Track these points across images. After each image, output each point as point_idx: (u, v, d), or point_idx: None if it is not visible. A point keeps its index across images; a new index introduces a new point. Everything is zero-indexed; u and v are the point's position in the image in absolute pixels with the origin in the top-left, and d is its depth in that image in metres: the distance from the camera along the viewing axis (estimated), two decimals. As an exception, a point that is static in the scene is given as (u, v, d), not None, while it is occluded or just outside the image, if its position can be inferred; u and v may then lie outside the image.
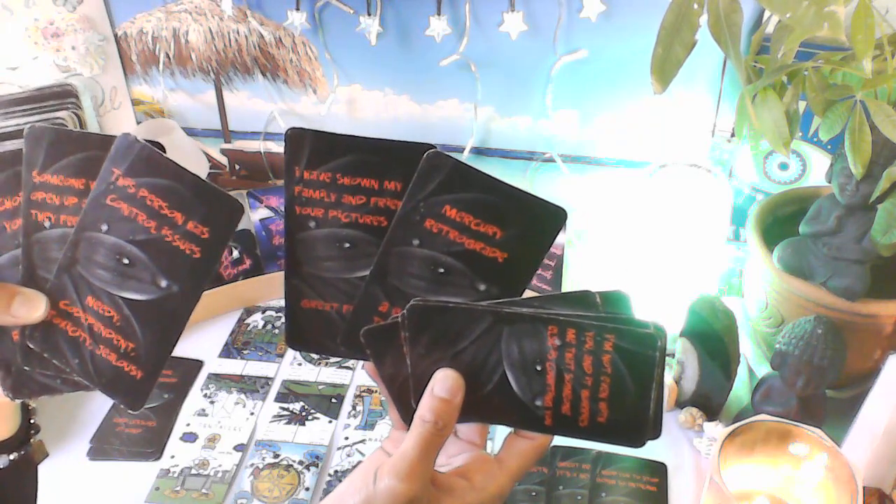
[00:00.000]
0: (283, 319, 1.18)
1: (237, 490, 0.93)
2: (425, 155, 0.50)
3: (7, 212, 0.52)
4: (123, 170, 0.49)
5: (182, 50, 1.26)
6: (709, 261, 1.07)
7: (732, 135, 1.13)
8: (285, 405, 1.05)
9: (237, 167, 1.38)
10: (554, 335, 0.47)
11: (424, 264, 0.51)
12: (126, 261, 0.50)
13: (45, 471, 0.67)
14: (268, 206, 1.24)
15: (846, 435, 0.88)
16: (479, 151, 1.24)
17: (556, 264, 1.13)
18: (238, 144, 1.35)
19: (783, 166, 1.08)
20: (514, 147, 1.23)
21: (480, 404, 0.50)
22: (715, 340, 0.96)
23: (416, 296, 0.51)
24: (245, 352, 1.14)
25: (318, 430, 1.01)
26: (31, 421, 0.64)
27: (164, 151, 0.50)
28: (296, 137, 0.52)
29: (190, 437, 1.00)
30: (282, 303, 1.24)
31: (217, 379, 1.09)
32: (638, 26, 1.07)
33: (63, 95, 0.54)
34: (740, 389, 1.02)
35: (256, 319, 1.20)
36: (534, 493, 0.91)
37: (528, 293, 0.52)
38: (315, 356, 1.13)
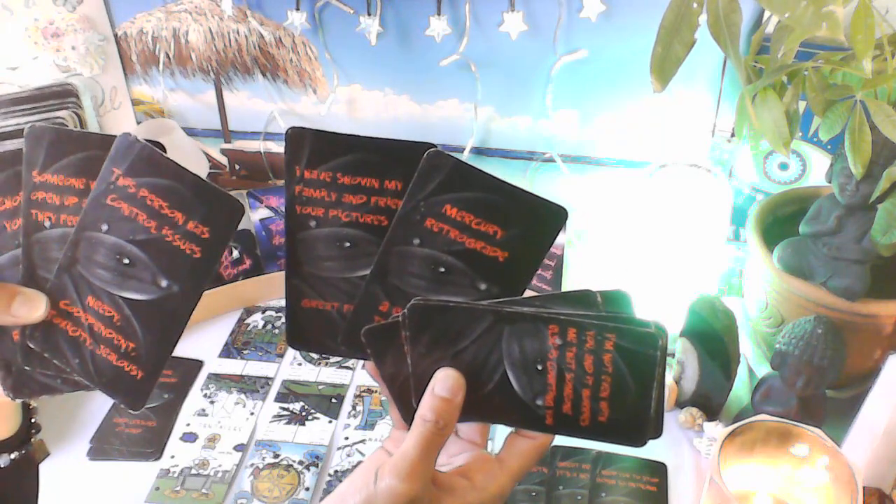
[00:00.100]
0: (283, 319, 1.18)
1: (237, 490, 0.93)
2: (426, 154, 0.50)
3: (7, 211, 0.52)
4: (124, 169, 0.49)
5: (182, 50, 1.26)
6: (709, 261, 1.07)
7: (732, 135, 1.13)
8: (285, 405, 1.05)
9: (237, 167, 1.38)
10: (555, 334, 0.47)
11: (425, 263, 0.51)
12: (126, 261, 0.50)
13: (45, 471, 0.67)
14: (268, 206, 1.24)
15: (846, 435, 0.88)
16: (479, 151, 1.24)
17: (556, 264, 1.13)
18: (238, 144, 1.35)
19: (783, 166, 1.08)
20: (514, 147, 1.23)
21: (481, 404, 0.50)
22: (715, 340, 0.96)
23: (417, 295, 0.51)
24: (245, 352, 1.14)
25: (318, 430, 1.01)
26: (32, 420, 0.64)
27: (165, 151, 0.50)
28: (296, 137, 0.52)
29: (190, 437, 1.00)
30: (282, 303, 1.24)
31: (217, 379, 1.09)
32: (638, 26, 1.07)
33: (63, 95, 0.54)
34: (740, 389, 1.02)
35: (256, 319, 1.20)
36: (534, 493, 0.91)
37: (528, 293, 0.52)
38: (315, 356, 1.13)
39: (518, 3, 1.08)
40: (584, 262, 1.18)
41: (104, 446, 0.99)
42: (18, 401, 0.57)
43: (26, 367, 0.54)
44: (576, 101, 1.17)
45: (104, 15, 1.24)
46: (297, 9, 1.15)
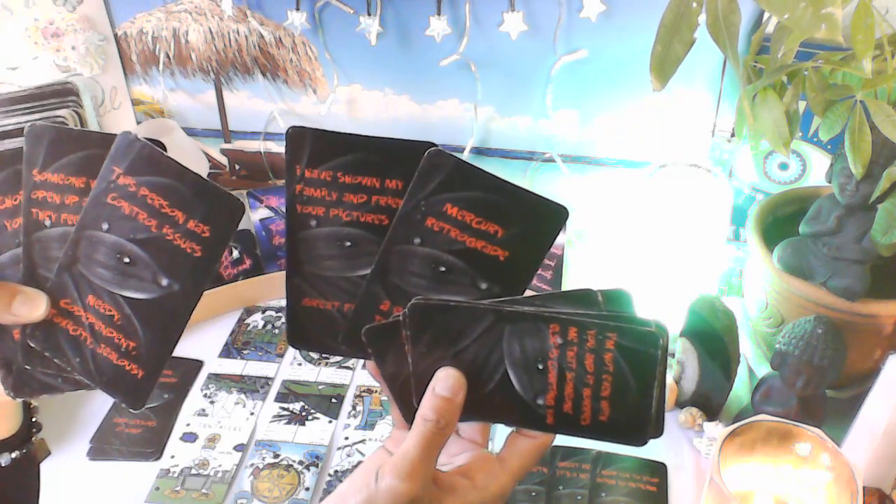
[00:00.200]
0: (283, 319, 1.18)
1: (237, 490, 0.93)
2: (426, 153, 0.50)
3: (7, 210, 0.52)
4: (124, 168, 0.49)
5: (182, 50, 1.26)
6: (709, 261, 1.07)
7: (732, 135, 1.13)
8: (285, 405, 1.05)
9: (237, 167, 1.38)
10: (556, 333, 0.47)
11: (426, 263, 0.51)
12: (127, 259, 0.50)
13: (44, 470, 0.67)
14: (268, 206, 1.24)
15: (846, 435, 0.88)
16: (479, 151, 1.24)
17: (556, 264, 1.13)
18: (238, 144, 1.35)
19: (783, 166, 1.08)
20: (514, 147, 1.23)
21: (482, 403, 0.50)
22: (715, 340, 0.96)
23: (418, 294, 0.51)
24: (245, 352, 1.14)
25: (318, 430, 1.01)
26: (33, 419, 0.64)
27: (165, 150, 0.50)
28: (297, 136, 0.52)
29: (190, 437, 1.00)
30: (282, 303, 1.24)
31: (217, 379, 1.09)
32: (638, 26, 1.07)
33: (64, 94, 0.54)
34: (740, 389, 1.02)
35: (256, 319, 1.20)
36: (534, 493, 0.91)
37: (528, 293, 0.52)
38: (315, 356, 1.13)
39: (518, 3, 1.08)
40: (584, 262, 1.18)
41: (104, 446, 0.99)
42: (19, 400, 0.57)
43: (27, 366, 0.54)
44: (576, 101, 1.17)
45: (104, 15, 1.24)
46: (297, 9, 1.15)
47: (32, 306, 0.52)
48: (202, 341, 1.15)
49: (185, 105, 1.32)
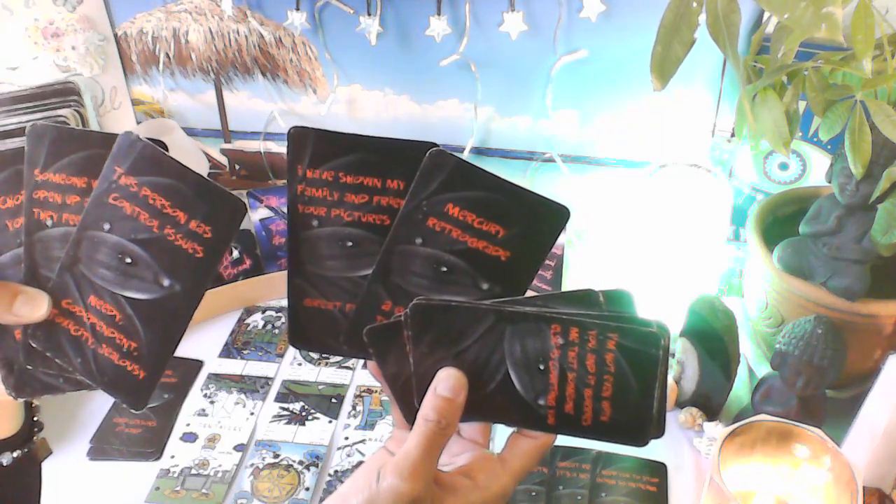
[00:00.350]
0: (283, 319, 1.18)
1: (237, 490, 0.93)
2: (428, 153, 0.50)
3: (9, 210, 0.52)
4: (126, 168, 0.49)
5: (182, 50, 1.26)
6: (709, 261, 1.07)
7: (732, 135, 1.13)
8: (285, 405, 1.05)
9: (237, 167, 1.38)
10: (557, 334, 0.47)
11: (427, 263, 0.51)
12: (128, 260, 0.50)
13: (45, 470, 0.67)
14: (268, 206, 1.24)
15: (846, 435, 0.88)
16: (479, 151, 1.24)
17: (556, 264, 1.13)
18: (238, 144, 1.35)
19: (783, 166, 1.08)
20: (514, 147, 1.23)
21: (483, 403, 0.50)
22: (715, 340, 0.96)
23: (419, 294, 0.51)
24: (245, 352, 1.14)
25: (318, 430, 1.01)
26: (35, 419, 0.64)
27: (167, 150, 0.50)
28: (298, 136, 0.52)
29: (190, 437, 1.00)
30: (282, 303, 1.24)
31: (217, 379, 1.09)
32: (638, 26, 1.07)
33: (65, 93, 0.54)
34: (740, 389, 1.02)
35: (256, 319, 1.20)
36: (534, 493, 0.91)
37: (528, 293, 0.52)
38: (315, 356, 1.13)
39: (518, 3, 1.08)
40: (584, 262, 1.18)
41: (104, 446, 0.99)
42: (21, 400, 0.57)
43: (28, 367, 0.54)
44: (576, 101, 1.17)
45: (104, 15, 1.24)
46: (297, 9, 1.15)
47: (34, 306, 0.51)
48: (202, 341, 1.15)
49: (185, 105, 1.32)
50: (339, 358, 1.12)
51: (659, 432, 0.49)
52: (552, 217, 0.51)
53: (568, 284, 1.14)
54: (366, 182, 0.51)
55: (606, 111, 1.17)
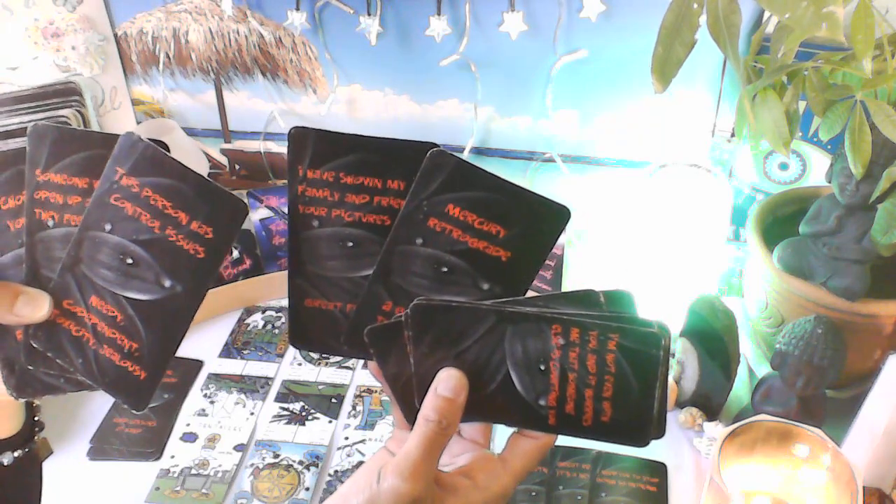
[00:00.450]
0: (283, 319, 1.18)
1: (237, 490, 0.93)
2: (429, 153, 0.50)
3: (10, 210, 0.52)
4: (127, 169, 0.49)
5: (182, 50, 1.26)
6: (709, 261, 1.07)
7: (732, 135, 1.13)
8: (285, 405, 1.05)
9: (237, 167, 1.38)
10: (558, 334, 0.47)
11: (428, 263, 0.51)
12: (130, 260, 0.50)
13: (45, 470, 0.67)
14: (268, 206, 1.24)
15: (846, 435, 0.88)
16: (479, 151, 1.24)
17: (556, 264, 1.13)
18: (238, 144, 1.35)
19: (783, 166, 1.09)
20: (514, 147, 1.23)
21: (484, 404, 0.50)
22: (715, 340, 0.96)
23: (420, 295, 0.51)
24: (245, 352, 1.14)
25: (318, 430, 1.01)
26: (36, 418, 0.64)
27: (169, 150, 0.50)
28: (299, 136, 0.52)
29: (190, 437, 1.00)
30: (282, 303, 1.24)
31: (217, 379, 1.09)
32: (638, 26, 1.07)
33: (67, 93, 0.54)
34: (740, 389, 1.02)
35: (256, 319, 1.20)
36: (534, 493, 0.91)
37: (529, 293, 0.52)
38: (315, 356, 1.13)
39: (518, 3, 1.08)
40: (584, 262, 1.18)
41: (104, 446, 0.99)
42: (22, 400, 0.57)
43: (30, 367, 0.54)
44: (576, 101, 1.17)
45: (104, 15, 1.24)
46: (297, 9, 1.15)
47: (35, 307, 0.51)
48: (202, 341, 1.15)
49: (185, 105, 1.32)
50: (339, 358, 1.12)
51: (659, 432, 0.49)
52: (553, 217, 0.51)
53: (568, 284, 1.14)
54: (366, 182, 0.51)
55: (606, 111, 1.17)
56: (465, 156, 1.23)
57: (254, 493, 0.93)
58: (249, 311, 1.21)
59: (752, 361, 1.04)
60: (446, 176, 0.50)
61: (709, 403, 0.99)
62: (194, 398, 1.06)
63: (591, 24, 1.08)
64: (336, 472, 0.96)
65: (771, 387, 0.94)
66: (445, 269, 0.51)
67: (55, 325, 0.53)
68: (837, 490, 0.78)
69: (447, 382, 0.49)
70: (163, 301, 0.50)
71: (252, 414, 1.04)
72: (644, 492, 0.92)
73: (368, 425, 1.02)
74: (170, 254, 0.50)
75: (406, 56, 1.18)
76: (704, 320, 0.97)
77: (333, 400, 1.06)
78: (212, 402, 1.05)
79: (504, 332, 0.48)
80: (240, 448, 0.98)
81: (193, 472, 0.95)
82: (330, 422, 1.02)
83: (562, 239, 1.13)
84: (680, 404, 1.01)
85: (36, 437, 0.63)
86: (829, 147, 1.04)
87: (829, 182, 0.90)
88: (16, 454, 0.61)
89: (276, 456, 0.97)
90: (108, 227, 0.50)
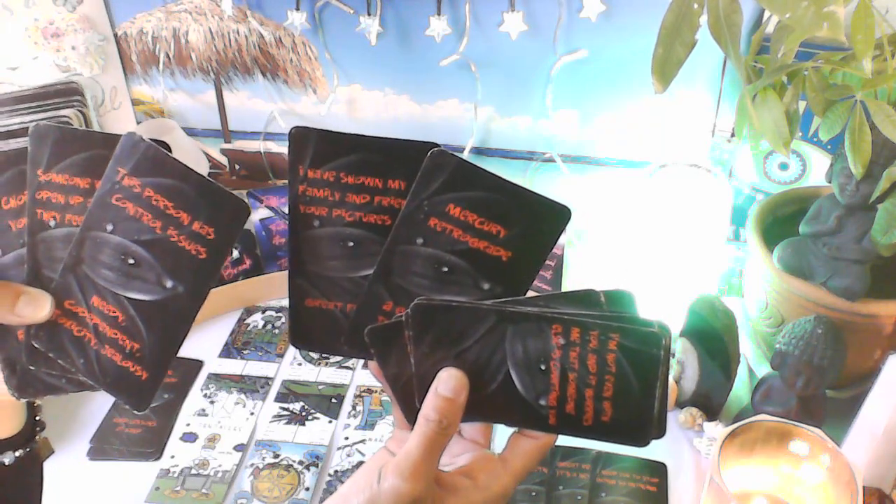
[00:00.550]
0: (283, 319, 1.18)
1: (237, 490, 0.93)
2: (429, 153, 0.50)
3: (12, 210, 0.52)
4: (129, 169, 0.49)
5: (182, 50, 1.26)
6: (709, 261, 1.07)
7: (732, 135, 1.13)
8: (285, 405, 1.05)
9: (237, 167, 1.38)
10: (558, 334, 0.47)
11: (428, 263, 0.51)
12: (131, 261, 0.50)
13: (45, 470, 0.67)
14: (268, 206, 1.24)
15: (846, 435, 0.88)
16: (479, 151, 1.24)
17: (556, 264, 1.13)
18: (238, 144, 1.35)
19: (783, 166, 1.09)
20: (514, 147, 1.23)
21: (484, 403, 0.50)
22: (715, 340, 0.96)
23: (420, 295, 0.51)
24: (245, 352, 1.14)
25: (318, 430, 1.01)
26: (37, 418, 0.64)
27: (170, 151, 0.50)
28: (300, 136, 0.52)
29: (190, 437, 1.00)
30: (282, 303, 1.24)
31: (217, 379, 1.09)
32: (638, 26, 1.08)
33: (68, 93, 0.54)
34: (740, 389, 1.02)
35: (256, 319, 1.20)
36: (534, 493, 0.91)
37: (529, 293, 0.52)
38: (315, 356, 1.13)
39: (518, 3, 1.08)
40: (584, 262, 1.18)
41: (104, 446, 0.99)
42: (24, 399, 0.57)
43: (31, 367, 0.54)
44: (576, 101, 1.17)
45: (104, 15, 1.24)
46: (297, 9, 1.15)
47: (37, 307, 0.51)
48: (202, 341, 1.15)
49: (185, 105, 1.32)
50: (339, 358, 1.12)
51: (660, 432, 0.49)
52: (553, 217, 0.51)
53: (568, 284, 1.14)
54: (367, 182, 0.51)
55: (606, 111, 1.17)
56: (466, 156, 1.23)
57: (254, 493, 0.93)
58: (249, 311, 1.21)
59: (752, 361, 1.04)
60: (447, 176, 0.50)
61: (709, 403, 0.99)
62: (194, 398, 1.06)
63: (591, 24, 1.08)
64: (336, 472, 0.96)
65: (771, 387, 0.94)
66: (446, 269, 0.51)
67: (57, 325, 0.53)
68: (837, 490, 0.78)
69: (448, 382, 0.49)
70: (164, 301, 0.50)
71: (252, 414, 1.04)
72: (644, 492, 0.92)
73: (368, 425, 1.02)
74: (171, 254, 0.50)
75: (406, 56, 1.18)
76: (704, 320, 0.97)
77: (333, 400, 1.06)
78: (212, 402, 1.05)
79: (504, 332, 0.48)
80: (240, 448, 0.98)
81: (193, 472, 0.95)
82: (330, 422, 1.02)
83: (562, 239, 1.13)
84: (680, 404, 1.01)
85: (37, 437, 0.63)
86: (829, 147, 1.04)
87: (829, 182, 0.90)
88: (17, 454, 0.61)
89: (276, 456, 0.97)
90: (109, 227, 0.50)
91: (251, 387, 1.08)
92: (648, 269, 1.06)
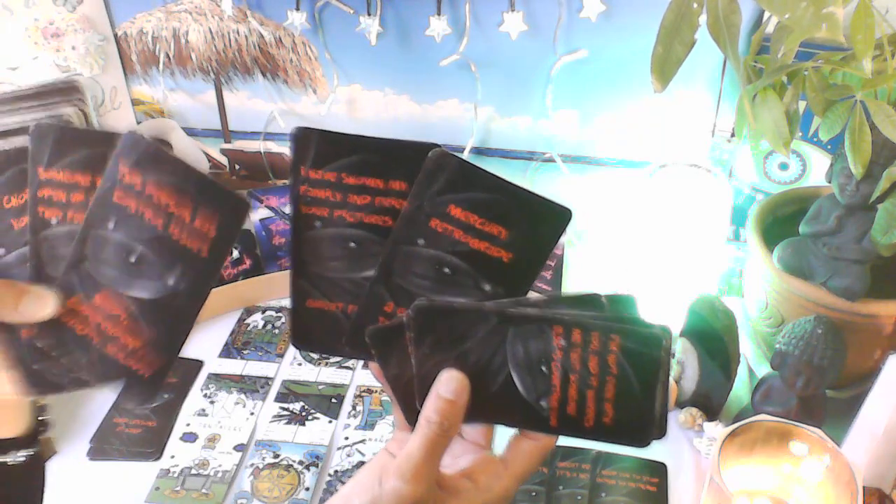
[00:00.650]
0: (283, 319, 1.18)
1: (237, 490, 0.93)
2: (430, 154, 0.50)
3: (14, 209, 0.52)
4: (130, 166, 0.49)
5: (182, 50, 1.26)
6: (709, 261, 1.07)
7: (732, 135, 1.13)
8: (285, 405, 1.05)
9: (237, 167, 1.38)
10: (559, 336, 0.47)
11: (429, 264, 0.51)
12: (133, 259, 0.50)
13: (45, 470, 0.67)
14: (268, 206, 1.24)
15: (846, 435, 0.88)
16: (479, 151, 1.24)
17: (556, 264, 1.13)
18: (238, 144, 1.35)
19: (783, 166, 1.09)
20: (514, 147, 1.23)
21: (485, 405, 0.50)
22: (715, 340, 0.96)
23: (422, 296, 0.51)
24: (245, 352, 1.14)
25: (318, 430, 1.01)
26: (40, 418, 0.64)
27: (171, 149, 0.50)
28: (302, 137, 0.52)
29: (190, 437, 1.00)
30: (282, 303, 1.24)
31: (217, 379, 1.09)
32: (638, 26, 1.07)
33: (68, 91, 0.54)
34: (740, 389, 1.02)
35: (256, 319, 1.20)
36: (534, 493, 0.91)
37: (529, 294, 0.52)
38: (315, 356, 1.13)
39: (518, 3, 1.08)
40: (584, 262, 1.18)
41: (104, 446, 0.99)
42: (29, 399, 0.57)
43: (35, 366, 0.54)
44: (576, 101, 1.17)
45: (104, 15, 1.24)
46: (297, 9, 1.15)
47: (40, 305, 0.51)
48: (202, 341, 1.15)
49: (185, 105, 1.32)
50: (339, 358, 1.12)
51: (660, 433, 0.49)
52: (554, 218, 0.51)
53: (568, 284, 1.14)
54: (368, 183, 0.51)
55: (606, 111, 1.17)
56: (466, 156, 1.23)
57: (254, 493, 0.93)
58: (249, 311, 1.21)
59: (752, 361, 1.04)
60: (448, 177, 0.50)
61: (709, 403, 0.99)
62: (194, 398, 1.06)
63: (591, 24, 1.08)
64: (336, 472, 0.96)
65: (771, 387, 0.94)
66: (447, 270, 0.51)
67: (60, 323, 0.53)
68: (837, 490, 0.78)
69: (449, 384, 0.49)
70: (166, 299, 0.50)
71: (252, 414, 1.04)
72: (644, 492, 0.92)
73: (368, 425, 1.02)
74: (173, 252, 0.50)
75: (406, 56, 1.18)
76: (704, 320, 0.97)
77: (333, 400, 1.06)
78: (212, 402, 1.05)
79: (506, 334, 0.48)
80: (240, 448, 0.98)
81: (193, 472, 0.95)
82: (330, 422, 1.02)
83: (562, 239, 1.13)
84: (680, 404, 1.02)
85: (40, 437, 0.63)
86: (829, 147, 1.04)
87: (829, 182, 0.90)
88: (22, 454, 0.61)
89: (276, 456, 0.97)
90: (111, 225, 0.50)
91: (251, 387, 1.08)
92: (648, 268, 1.06)
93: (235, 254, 1.20)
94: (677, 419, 1.00)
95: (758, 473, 0.84)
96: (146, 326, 0.51)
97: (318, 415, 1.03)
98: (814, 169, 1.07)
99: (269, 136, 1.32)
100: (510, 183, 0.50)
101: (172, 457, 0.97)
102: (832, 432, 0.80)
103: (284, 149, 1.33)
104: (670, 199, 1.05)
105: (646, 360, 0.47)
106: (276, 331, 1.17)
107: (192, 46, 1.25)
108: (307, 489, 0.93)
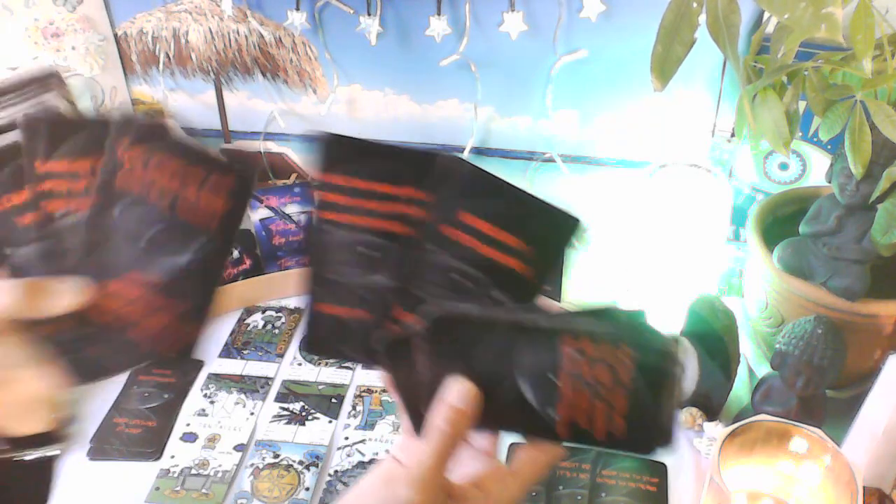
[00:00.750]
0: (283, 319, 1.19)
1: (237, 490, 0.93)
2: (445, 161, 0.50)
3: (16, 208, 0.52)
4: (128, 147, 0.49)
5: (182, 50, 1.26)
6: (709, 261, 1.07)
7: (732, 135, 1.13)
8: (285, 405, 1.05)
9: (237, 167, 1.38)
10: (570, 346, 0.47)
11: (441, 271, 0.51)
12: (145, 240, 0.50)
13: (45, 470, 0.67)
14: (268, 206, 1.24)
15: (846, 435, 0.88)
16: (479, 151, 1.24)
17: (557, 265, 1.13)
18: (238, 144, 1.35)
19: (783, 166, 1.08)
20: (514, 147, 1.23)
21: (494, 414, 0.50)
22: (715, 340, 0.96)
23: (432, 302, 0.51)
24: (245, 352, 1.14)
25: (318, 430, 1.01)
26: (64, 416, 0.64)
27: (169, 132, 0.50)
28: (323, 142, 0.52)
29: (190, 437, 1.00)
30: (282, 303, 1.24)
31: (217, 379, 1.09)
32: (638, 26, 1.07)
33: (43, 77, 0.54)
34: (740, 389, 1.02)
35: (256, 319, 1.20)
36: (534, 493, 0.91)
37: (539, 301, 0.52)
38: (315, 356, 1.13)
39: (518, 3, 1.08)
40: (584, 262, 1.18)
41: (104, 446, 0.99)
42: (53, 396, 0.57)
43: (64, 357, 0.54)
44: (576, 101, 1.17)
45: (104, 15, 1.24)
46: (297, 9, 1.15)
47: (60, 298, 0.51)
48: (202, 341, 1.14)
49: (185, 105, 1.32)
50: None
51: (668, 442, 0.49)
52: (565, 227, 0.51)
53: (568, 285, 1.14)
54: (382, 189, 0.51)
55: (606, 111, 1.17)
56: (465, 156, 1.23)
57: (254, 493, 0.93)
58: (249, 311, 1.21)
59: (752, 361, 1.04)
60: (461, 184, 0.50)
61: (709, 403, 0.99)
62: (194, 398, 1.06)
63: (591, 24, 1.08)
64: (336, 472, 0.96)
65: (771, 387, 0.94)
66: (458, 278, 0.51)
67: (81, 313, 0.53)
68: (837, 490, 0.78)
69: (458, 393, 0.49)
70: (181, 278, 0.51)
71: (252, 414, 1.04)
72: (644, 492, 0.92)
73: (368, 425, 1.02)
74: (183, 229, 0.50)
75: (406, 56, 1.18)
76: (704, 320, 0.97)
77: (333, 400, 1.06)
78: (212, 402, 1.05)
79: (516, 343, 0.48)
80: (240, 448, 0.99)
81: (193, 472, 0.95)
82: (330, 422, 1.02)
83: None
84: (680, 404, 1.01)
85: (63, 434, 0.63)
86: (829, 147, 1.04)
87: (829, 182, 0.90)
88: (41, 452, 0.61)
89: (276, 456, 0.97)
90: (117, 211, 0.50)
91: (251, 387, 1.08)
92: (648, 269, 1.06)
93: (235, 254, 1.20)
94: (677, 419, 0.99)
95: (758, 473, 0.84)
96: (167, 305, 0.51)
97: (318, 415, 1.03)
98: (814, 169, 1.07)
99: (268, 136, 1.32)
100: (522, 191, 0.50)
101: (172, 457, 0.97)
102: (832, 432, 0.80)
103: (285, 149, 1.33)
104: (670, 200, 1.05)
105: (655, 372, 0.47)
106: (276, 331, 1.17)
107: (192, 46, 1.25)
108: (307, 489, 0.93)
